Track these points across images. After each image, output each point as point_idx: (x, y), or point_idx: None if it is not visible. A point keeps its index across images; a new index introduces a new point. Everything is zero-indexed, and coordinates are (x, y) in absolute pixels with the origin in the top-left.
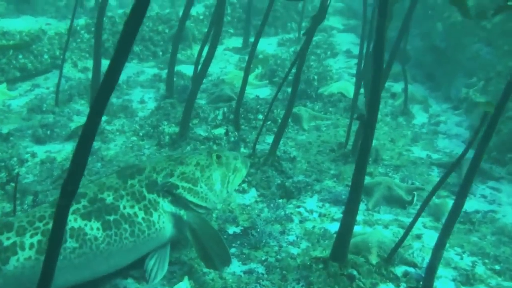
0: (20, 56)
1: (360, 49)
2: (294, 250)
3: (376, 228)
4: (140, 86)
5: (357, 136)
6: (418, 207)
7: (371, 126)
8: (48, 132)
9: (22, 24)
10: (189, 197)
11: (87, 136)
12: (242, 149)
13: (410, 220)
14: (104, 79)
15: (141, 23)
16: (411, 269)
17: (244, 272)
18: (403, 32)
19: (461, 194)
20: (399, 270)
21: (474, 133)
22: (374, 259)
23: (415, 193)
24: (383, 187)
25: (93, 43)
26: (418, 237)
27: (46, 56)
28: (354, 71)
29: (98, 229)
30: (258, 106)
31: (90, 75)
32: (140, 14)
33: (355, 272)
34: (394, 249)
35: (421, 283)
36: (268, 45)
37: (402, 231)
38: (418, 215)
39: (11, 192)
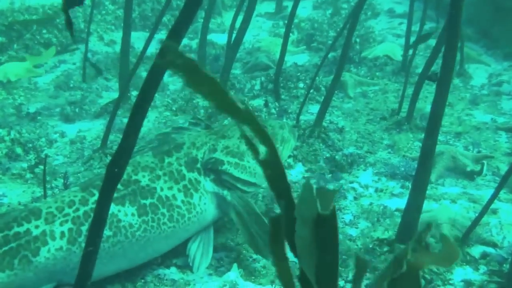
0: (44, 31)
1: (410, 7)
2: (352, 231)
3: (443, 203)
4: None
5: (412, 101)
6: (488, 177)
7: (446, 86)
8: (77, 109)
9: None
10: (237, 173)
11: (139, 111)
12: (284, 121)
13: (480, 193)
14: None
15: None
16: (490, 250)
17: None
18: None
19: None
20: (476, 251)
21: None
22: None
23: (484, 161)
24: (446, 157)
25: (122, 15)
26: (494, 212)
27: None
28: (398, 32)
29: (133, 214)
30: (299, 74)
31: (117, 48)
32: None
33: None
34: (471, 227)
35: (504, 265)
36: (302, 9)
37: (473, 206)
38: (499, 188)
39: (40, 175)
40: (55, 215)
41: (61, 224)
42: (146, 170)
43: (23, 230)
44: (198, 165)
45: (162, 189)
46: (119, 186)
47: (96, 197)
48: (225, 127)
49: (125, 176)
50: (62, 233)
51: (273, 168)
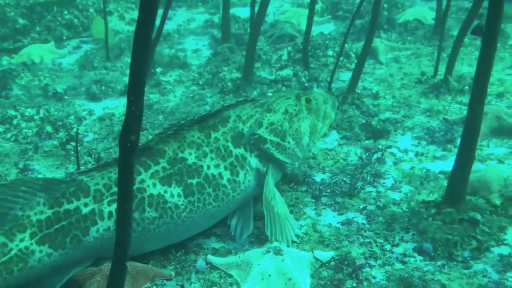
0: (65, 12)
1: None
2: (396, 195)
3: (489, 163)
4: (192, 34)
5: (449, 62)
6: None
7: (493, 41)
8: (103, 88)
9: None
10: (276, 154)
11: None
12: (315, 89)
13: None
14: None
15: None
16: None
17: (342, 223)
18: None
19: None
20: None
21: None
22: (497, 200)
23: None
24: (490, 117)
25: None
26: None
27: (91, 10)
28: None
29: (179, 195)
30: (327, 42)
31: None
32: None
33: (478, 216)
34: None
35: None
36: None
37: None
38: None
39: (72, 152)
40: (103, 193)
41: (109, 204)
42: (192, 147)
43: (73, 208)
44: (244, 140)
45: (209, 167)
46: (165, 164)
47: (142, 176)
48: (271, 99)
49: (171, 154)
50: (110, 213)
51: None
